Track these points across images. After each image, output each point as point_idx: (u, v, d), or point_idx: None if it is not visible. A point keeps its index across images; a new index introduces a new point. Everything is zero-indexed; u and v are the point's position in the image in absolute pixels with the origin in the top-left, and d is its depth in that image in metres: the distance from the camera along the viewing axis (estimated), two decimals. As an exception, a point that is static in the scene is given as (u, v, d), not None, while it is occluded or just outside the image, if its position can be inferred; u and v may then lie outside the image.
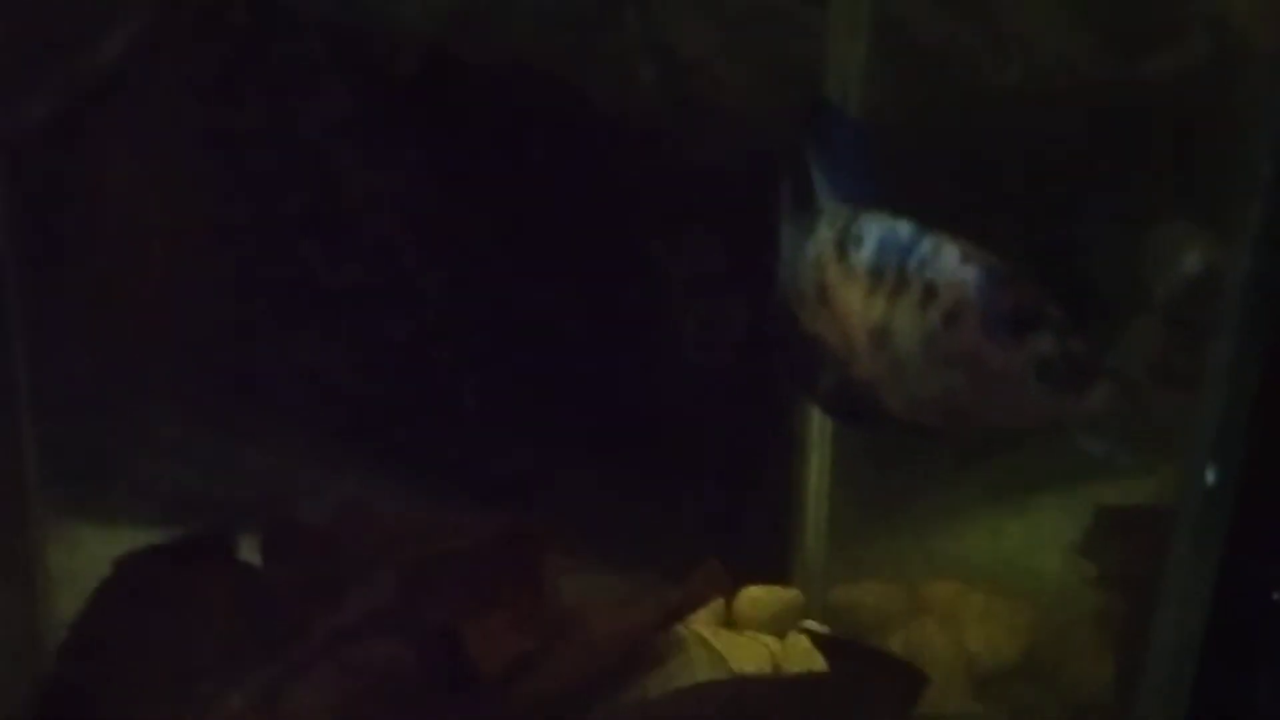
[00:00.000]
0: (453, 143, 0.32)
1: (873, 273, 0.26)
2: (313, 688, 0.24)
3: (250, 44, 0.29)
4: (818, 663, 0.31)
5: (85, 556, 0.28)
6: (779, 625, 0.35)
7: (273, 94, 0.30)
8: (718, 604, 0.33)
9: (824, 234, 0.28)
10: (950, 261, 0.24)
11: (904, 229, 0.26)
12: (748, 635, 0.34)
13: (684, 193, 0.34)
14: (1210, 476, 0.28)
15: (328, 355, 0.32)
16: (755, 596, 0.35)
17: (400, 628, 0.26)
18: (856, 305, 0.27)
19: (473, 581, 0.29)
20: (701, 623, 0.33)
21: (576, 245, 0.33)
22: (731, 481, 0.34)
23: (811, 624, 0.35)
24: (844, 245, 0.27)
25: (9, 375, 0.28)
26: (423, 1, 0.31)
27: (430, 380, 0.33)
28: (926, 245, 0.25)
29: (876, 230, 0.27)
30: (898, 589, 0.34)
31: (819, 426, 0.36)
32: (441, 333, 0.33)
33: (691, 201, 0.34)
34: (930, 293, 0.24)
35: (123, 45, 0.28)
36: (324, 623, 0.26)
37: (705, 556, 0.31)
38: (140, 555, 0.27)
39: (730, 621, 0.35)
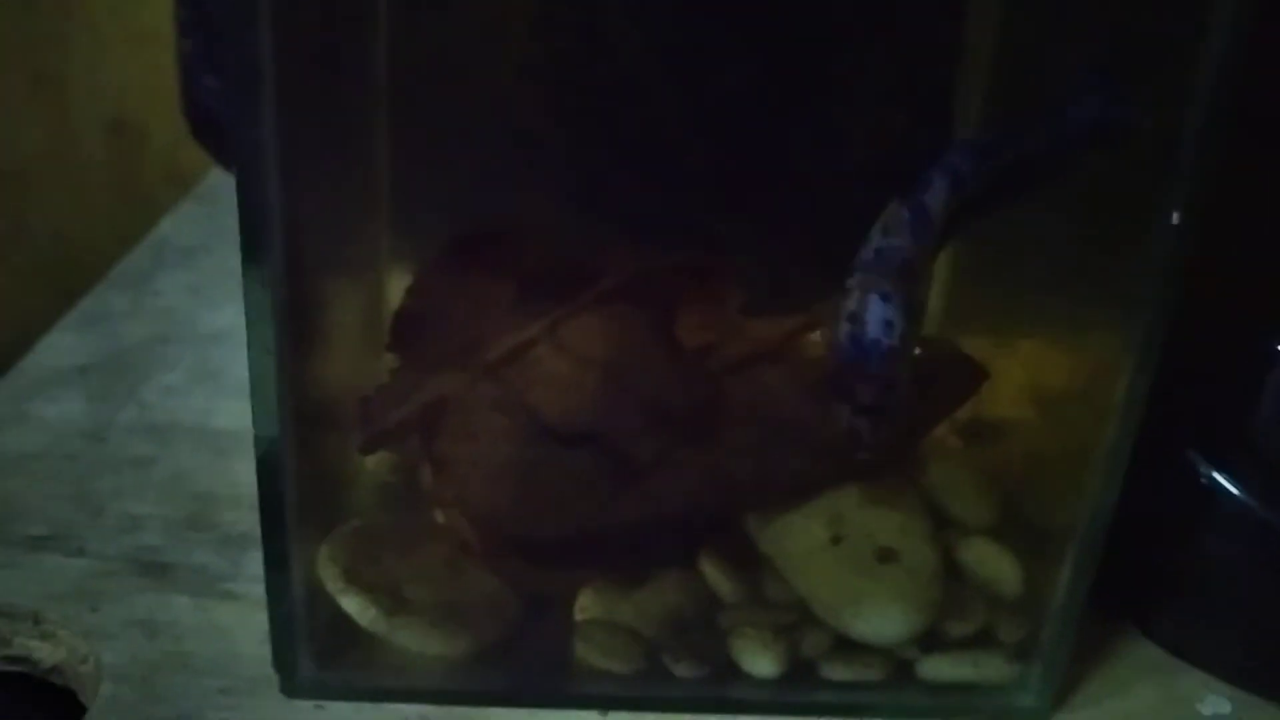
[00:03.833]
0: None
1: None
2: (578, 329, 0.36)
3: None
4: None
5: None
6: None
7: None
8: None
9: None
10: (848, 313, 0.30)
11: (869, 250, 0.31)
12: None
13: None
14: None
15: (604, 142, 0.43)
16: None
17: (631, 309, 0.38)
18: None
19: (675, 293, 0.41)
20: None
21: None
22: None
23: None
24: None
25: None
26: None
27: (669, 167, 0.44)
28: (856, 281, 0.31)
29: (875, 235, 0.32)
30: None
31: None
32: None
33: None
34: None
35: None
36: (580, 296, 0.37)
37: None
38: (452, 243, 0.39)
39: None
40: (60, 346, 0.53)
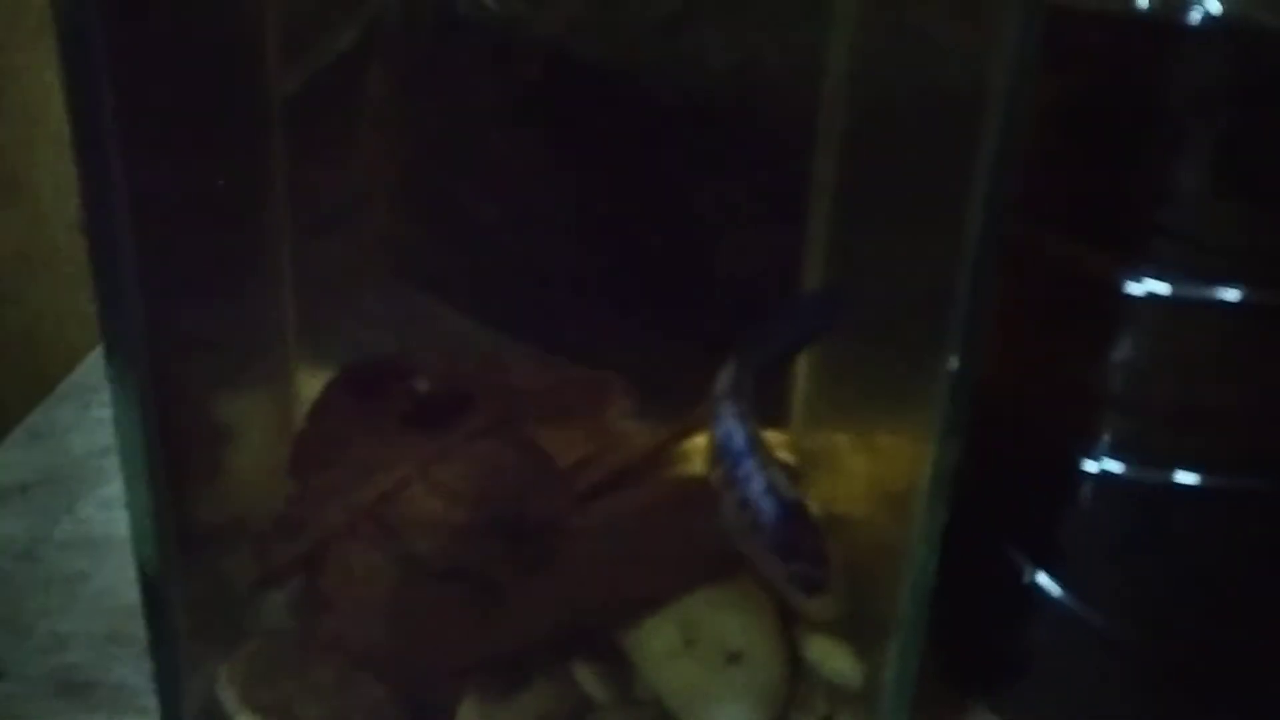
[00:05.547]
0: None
1: (716, 451, 0.37)
2: (449, 468, 0.40)
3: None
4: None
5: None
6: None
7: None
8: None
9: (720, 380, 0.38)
10: (758, 489, 0.36)
11: (738, 439, 0.36)
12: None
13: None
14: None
15: (482, 258, 0.47)
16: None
17: (505, 436, 0.42)
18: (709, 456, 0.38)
19: (555, 408, 0.45)
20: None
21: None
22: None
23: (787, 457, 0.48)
24: (716, 404, 0.37)
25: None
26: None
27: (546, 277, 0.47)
28: (748, 465, 0.36)
29: (722, 425, 0.37)
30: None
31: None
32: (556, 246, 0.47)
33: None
34: (744, 505, 0.36)
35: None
36: (458, 427, 0.41)
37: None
38: (347, 371, 0.43)
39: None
40: (5, 463, 0.56)
